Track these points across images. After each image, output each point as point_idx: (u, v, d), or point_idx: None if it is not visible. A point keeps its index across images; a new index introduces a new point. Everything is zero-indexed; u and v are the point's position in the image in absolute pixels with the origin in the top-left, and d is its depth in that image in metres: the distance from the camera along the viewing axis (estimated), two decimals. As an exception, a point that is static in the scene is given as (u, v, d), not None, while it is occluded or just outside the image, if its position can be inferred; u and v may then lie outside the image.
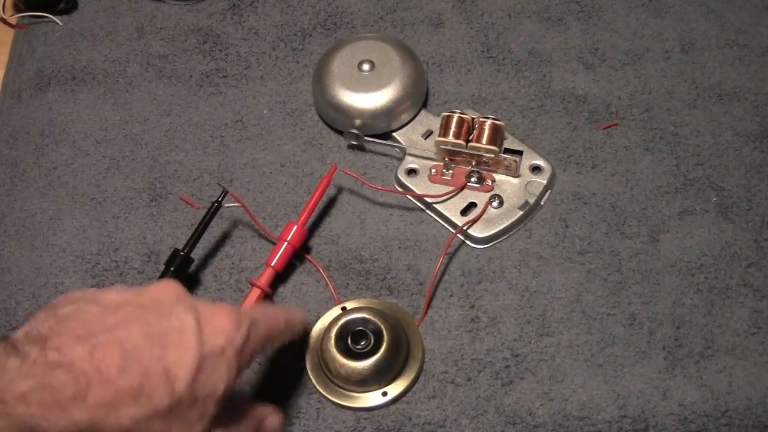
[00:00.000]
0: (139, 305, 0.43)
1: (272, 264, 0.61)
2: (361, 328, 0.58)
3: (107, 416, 0.39)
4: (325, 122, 0.71)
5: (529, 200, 0.65)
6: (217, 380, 0.43)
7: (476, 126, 0.66)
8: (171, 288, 0.45)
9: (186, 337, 0.42)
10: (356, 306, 0.61)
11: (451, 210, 0.65)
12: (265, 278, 0.61)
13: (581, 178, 0.67)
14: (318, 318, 0.61)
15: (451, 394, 0.58)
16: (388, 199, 0.67)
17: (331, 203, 0.67)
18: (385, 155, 0.69)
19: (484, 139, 0.65)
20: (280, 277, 0.63)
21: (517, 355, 0.59)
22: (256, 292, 0.61)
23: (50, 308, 0.42)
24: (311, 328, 0.61)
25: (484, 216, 0.64)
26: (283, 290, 0.63)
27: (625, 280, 0.62)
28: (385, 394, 0.58)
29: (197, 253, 0.64)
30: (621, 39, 0.75)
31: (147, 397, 0.40)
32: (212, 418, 0.43)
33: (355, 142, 0.69)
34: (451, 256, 0.64)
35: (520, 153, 0.65)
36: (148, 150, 0.70)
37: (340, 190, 0.68)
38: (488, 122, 0.65)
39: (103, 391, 0.39)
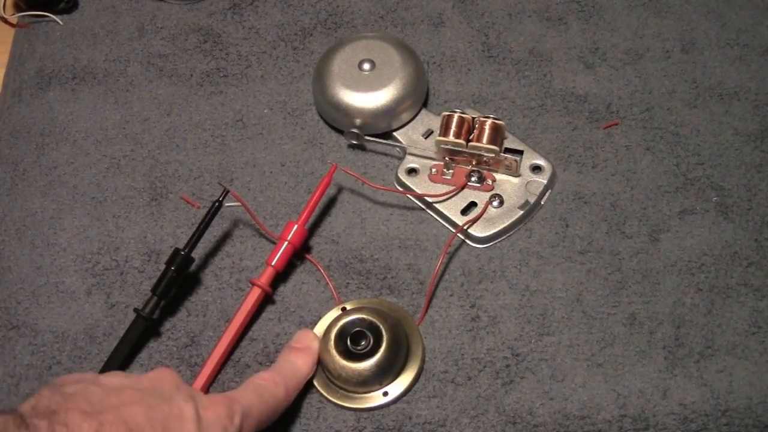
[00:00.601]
0: (139, 389, 0.46)
1: (273, 263, 0.61)
2: (359, 328, 0.58)
3: None
4: (325, 122, 0.71)
5: (529, 200, 0.65)
6: None
7: (477, 125, 0.66)
8: (168, 376, 0.48)
9: (186, 424, 0.45)
10: (356, 306, 0.61)
11: (452, 209, 0.65)
12: (265, 278, 0.61)
13: (582, 178, 0.67)
14: (318, 318, 0.61)
15: (451, 393, 0.58)
16: (389, 199, 0.67)
17: (331, 203, 0.67)
18: (386, 155, 0.69)
19: (485, 139, 0.65)
20: (281, 276, 0.63)
21: (517, 355, 0.59)
22: (256, 292, 0.61)
23: (54, 386, 0.45)
24: (316, 320, 0.61)
25: (484, 215, 0.64)
26: (284, 290, 0.63)
27: (625, 280, 0.62)
28: (385, 393, 0.58)
29: (198, 253, 0.64)
30: (621, 38, 0.75)
31: None
32: None
33: (355, 142, 0.69)
34: (451, 256, 0.64)
35: (520, 152, 0.65)
36: (149, 149, 0.70)
37: (340, 189, 0.68)
38: (489, 122, 0.65)
39: None
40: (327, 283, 0.63)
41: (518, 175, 0.66)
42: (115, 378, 0.47)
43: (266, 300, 0.62)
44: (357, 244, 0.65)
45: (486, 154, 0.65)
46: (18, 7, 0.79)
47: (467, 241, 0.65)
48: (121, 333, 0.60)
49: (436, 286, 0.62)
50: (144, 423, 0.43)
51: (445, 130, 0.65)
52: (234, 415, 0.48)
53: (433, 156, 0.67)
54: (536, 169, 0.66)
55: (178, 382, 0.49)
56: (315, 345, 0.58)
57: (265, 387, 0.53)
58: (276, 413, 0.53)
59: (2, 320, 0.62)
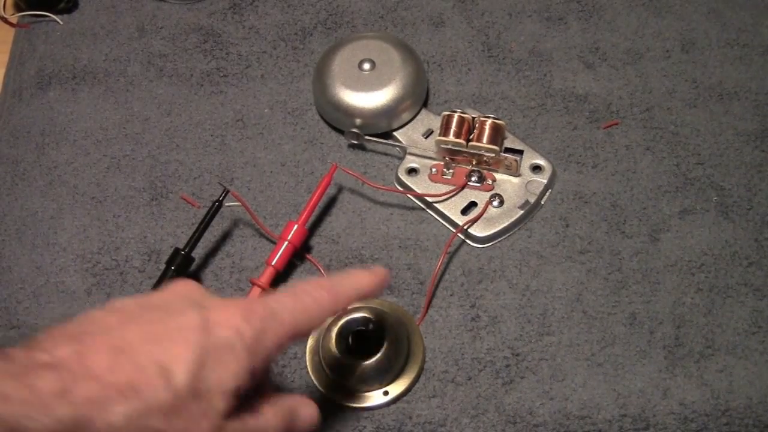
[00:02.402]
0: (144, 305, 0.42)
1: (273, 263, 0.61)
2: (361, 327, 0.58)
3: (96, 413, 0.38)
4: (325, 121, 0.71)
5: (529, 199, 0.65)
6: (224, 375, 0.40)
7: (477, 125, 0.66)
8: (183, 287, 0.44)
9: (186, 333, 0.40)
10: (357, 305, 0.61)
11: (452, 209, 0.65)
12: (265, 277, 0.61)
13: (582, 178, 0.67)
14: (318, 317, 0.61)
15: (451, 393, 0.58)
16: (389, 199, 0.67)
17: (331, 202, 0.67)
18: (386, 154, 0.70)
19: (485, 139, 0.65)
20: (281, 276, 0.63)
21: (517, 354, 0.59)
22: (256, 292, 0.61)
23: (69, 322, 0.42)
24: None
25: (484, 215, 0.64)
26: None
27: (625, 280, 0.62)
28: (386, 393, 0.58)
29: (198, 252, 0.64)
30: (622, 38, 0.75)
31: (139, 394, 0.38)
32: (222, 414, 0.41)
33: (355, 142, 0.69)
34: (451, 256, 0.64)
35: (520, 152, 0.65)
36: (149, 149, 0.70)
37: (340, 189, 0.68)
38: (489, 121, 0.65)
39: (89, 388, 0.38)
40: (327, 283, 0.63)
41: (518, 175, 0.66)
42: (128, 299, 0.43)
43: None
44: (357, 244, 0.65)
45: (486, 154, 0.65)
46: (18, 7, 0.79)
47: (467, 241, 0.65)
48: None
49: (436, 286, 0.62)
50: (136, 339, 0.39)
51: (445, 129, 0.65)
52: (252, 316, 0.41)
53: (433, 156, 0.67)
54: (536, 168, 0.66)
55: (191, 290, 0.43)
56: (385, 275, 0.49)
57: (305, 289, 0.45)
58: (317, 321, 0.45)
59: (2, 320, 0.62)
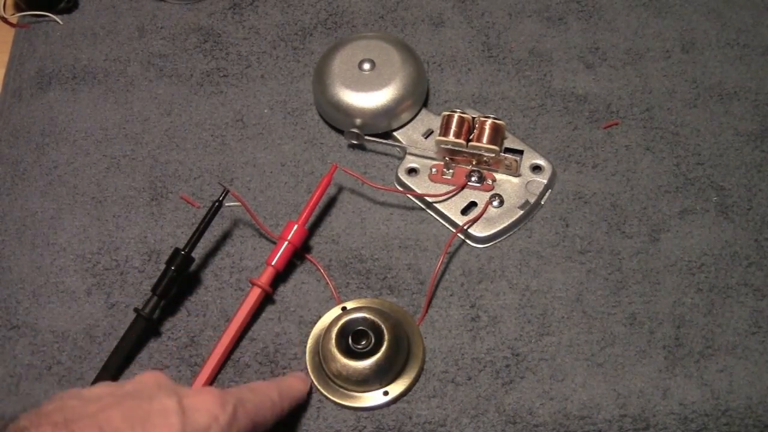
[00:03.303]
0: (120, 395, 0.44)
1: (273, 263, 0.61)
2: (361, 327, 0.58)
3: None
4: (325, 121, 0.71)
5: (529, 199, 0.65)
6: None
7: (477, 125, 0.66)
8: (152, 377, 0.46)
9: (167, 417, 0.43)
10: (357, 306, 0.61)
11: (452, 209, 0.65)
12: (265, 277, 0.61)
13: (582, 178, 0.67)
14: (318, 318, 0.61)
15: (451, 393, 0.58)
16: (389, 199, 0.67)
17: (331, 202, 0.67)
18: (386, 154, 0.69)
19: (485, 139, 0.65)
20: (281, 276, 0.63)
21: (517, 355, 0.59)
22: (256, 292, 0.61)
23: (36, 409, 0.43)
24: (316, 320, 0.61)
25: (484, 215, 0.64)
26: (284, 290, 0.63)
27: (625, 280, 0.62)
28: (386, 393, 0.58)
29: (198, 253, 0.64)
30: (621, 38, 0.75)
31: None
32: None
33: (355, 142, 0.69)
34: (451, 256, 0.64)
35: (520, 152, 0.65)
36: (149, 149, 0.70)
37: (340, 189, 0.68)
38: (489, 121, 0.65)
39: None
40: (327, 283, 0.63)
41: (518, 175, 0.66)
42: (97, 389, 0.45)
43: (266, 300, 0.62)
44: (357, 244, 0.65)
45: (486, 154, 0.65)
46: (18, 7, 0.79)
47: (467, 241, 0.65)
48: (121, 333, 0.60)
49: (436, 286, 0.62)
50: (120, 424, 0.41)
51: (445, 129, 0.65)
52: (226, 404, 0.46)
53: (433, 156, 0.67)
54: (536, 168, 0.66)
55: (161, 380, 0.46)
56: (308, 380, 0.58)
57: (259, 387, 0.52)
58: (270, 415, 0.51)
59: (2, 320, 0.62)
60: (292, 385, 0.55)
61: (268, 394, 0.51)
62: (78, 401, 0.43)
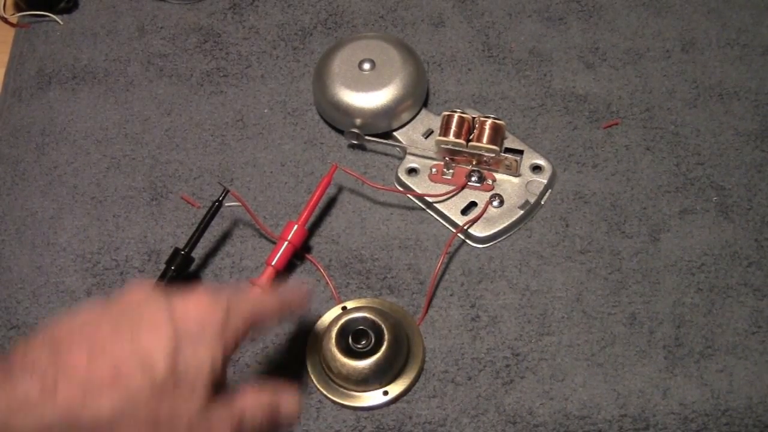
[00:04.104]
0: (108, 308, 0.43)
1: (273, 263, 0.61)
2: (361, 327, 0.58)
3: (82, 409, 0.38)
4: (325, 121, 0.71)
5: (529, 199, 0.65)
6: (200, 361, 0.42)
7: (477, 125, 0.66)
8: (139, 288, 0.45)
9: (158, 325, 0.42)
10: (357, 305, 0.61)
11: (452, 209, 0.65)
12: (265, 277, 0.61)
13: (582, 178, 0.67)
14: (318, 317, 0.61)
15: (451, 393, 0.58)
16: (389, 199, 0.67)
17: (331, 203, 0.67)
18: (386, 154, 0.69)
19: (485, 139, 0.65)
20: (281, 276, 0.63)
21: (517, 354, 0.59)
22: (256, 291, 0.61)
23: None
24: (316, 319, 0.61)
25: (484, 215, 0.64)
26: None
27: (625, 280, 0.62)
28: (385, 393, 0.58)
29: (198, 253, 0.64)
30: (621, 38, 0.75)
31: (123, 385, 0.39)
32: (205, 396, 0.42)
33: (355, 142, 0.69)
34: (451, 256, 0.64)
35: (520, 152, 0.65)
36: (149, 149, 0.70)
37: (340, 189, 0.68)
38: (489, 121, 0.65)
39: (71, 386, 0.38)
40: (327, 283, 0.63)
41: (518, 175, 0.66)
42: (85, 305, 0.44)
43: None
44: (357, 244, 0.65)
45: (486, 154, 0.65)
46: (18, 7, 0.79)
47: (467, 241, 0.65)
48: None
49: (436, 286, 0.62)
50: (110, 336, 0.41)
51: (445, 130, 0.65)
52: (217, 306, 0.44)
53: (433, 156, 0.67)
54: (536, 168, 0.66)
55: (149, 290, 0.45)
56: (298, 294, 0.52)
57: (254, 292, 0.50)
58: (267, 316, 0.48)
59: (2, 320, 0.62)
60: (289, 295, 0.51)
61: (263, 299, 0.50)
62: (65, 323, 0.42)
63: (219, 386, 0.44)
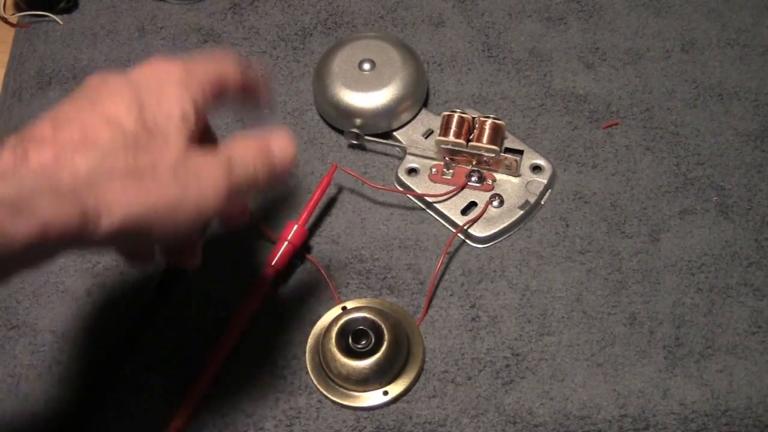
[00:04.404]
0: (67, 98, 0.43)
1: (273, 263, 0.61)
2: (361, 327, 0.58)
3: (58, 171, 0.38)
4: (325, 121, 0.71)
5: (529, 199, 0.65)
6: (167, 110, 0.42)
7: (477, 125, 0.66)
8: (95, 74, 0.45)
9: (117, 91, 0.42)
10: (357, 305, 0.61)
11: (452, 209, 0.65)
12: (265, 277, 0.61)
13: (582, 178, 0.67)
14: (318, 317, 0.61)
15: (451, 393, 0.58)
16: (389, 199, 0.67)
17: (331, 203, 0.67)
18: (386, 154, 0.70)
19: (485, 139, 0.65)
20: (281, 276, 0.63)
21: (517, 355, 0.59)
22: (256, 292, 0.61)
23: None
24: (316, 319, 0.61)
25: (484, 215, 0.64)
26: (284, 290, 0.63)
27: (625, 280, 0.62)
28: (385, 393, 0.58)
29: (198, 253, 0.64)
30: (622, 38, 0.75)
31: (93, 144, 0.40)
32: (182, 141, 0.42)
33: (355, 142, 0.69)
34: (451, 256, 0.64)
35: (520, 152, 0.65)
36: (149, 149, 0.70)
37: (340, 189, 0.68)
38: (489, 121, 0.65)
39: (42, 151, 0.39)
40: (327, 283, 0.63)
41: (518, 175, 0.66)
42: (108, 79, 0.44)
43: (266, 300, 0.62)
44: (357, 244, 0.65)
45: (486, 154, 0.65)
46: (18, 7, 0.79)
47: (467, 241, 0.65)
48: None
49: (436, 286, 0.62)
50: (72, 108, 0.41)
51: (445, 130, 0.66)
52: (173, 61, 0.45)
53: (433, 156, 0.67)
54: (536, 169, 0.66)
55: (103, 75, 0.44)
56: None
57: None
58: (228, 80, 0.48)
59: (2, 320, 0.62)
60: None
61: (226, 60, 0.49)
62: (41, 115, 0.43)
63: (202, 138, 0.44)
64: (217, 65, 0.47)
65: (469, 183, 0.66)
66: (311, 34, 0.77)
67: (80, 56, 0.76)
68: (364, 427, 0.57)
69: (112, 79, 0.43)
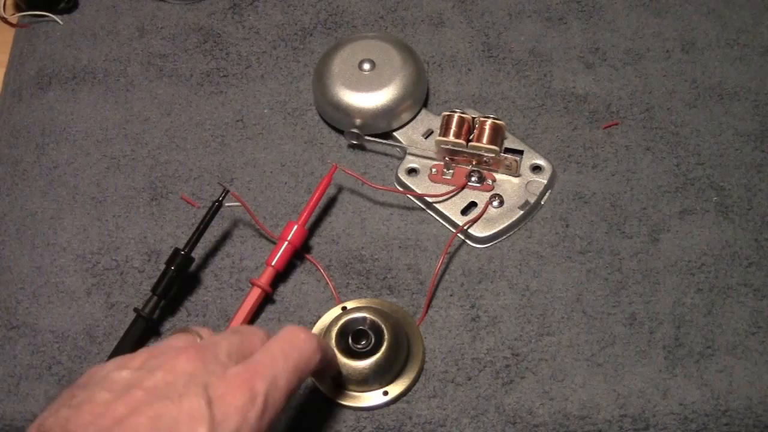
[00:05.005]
0: (148, 388, 0.42)
1: (273, 263, 0.61)
2: (361, 327, 0.58)
3: None
4: (325, 122, 0.71)
5: (529, 200, 0.65)
6: None
7: (477, 125, 0.66)
8: (183, 360, 0.44)
9: (196, 424, 0.41)
10: (357, 306, 0.61)
11: (452, 209, 0.65)
12: (265, 278, 0.61)
13: (582, 178, 0.67)
14: (318, 318, 0.61)
15: (451, 393, 0.58)
16: (389, 199, 0.67)
17: (331, 203, 0.67)
18: (386, 155, 0.70)
19: (485, 139, 0.65)
20: (281, 276, 0.63)
21: (517, 355, 0.59)
22: (256, 292, 0.61)
23: (68, 393, 0.42)
24: (316, 319, 0.61)
25: (484, 215, 0.64)
26: (284, 290, 0.63)
27: (625, 280, 0.62)
28: (385, 393, 0.58)
29: (198, 253, 0.64)
30: (622, 38, 0.75)
31: None
32: None
33: (355, 142, 0.69)
34: (451, 256, 0.64)
35: (520, 152, 0.65)
36: (149, 149, 0.70)
37: (340, 189, 0.68)
38: (489, 122, 0.65)
39: None
40: (327, 283, 0.63)
41: (518, 175, 0.66)
42: (125, 373, 0.43)
43: (266, 300, 0.62)
44: (357, 244, 0.65)
45: (486, 154, 0.65)
46: (18, 7, 0.79)
47: (467, 241, 0.65)
48: (121, 333, 0.60)
49: (436, 286, 0.62)
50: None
51: (445, 130, 0.66)
52: (256, 398, 0.43)
53: (433, 156, 0.67)
54: (536, 169, 0.66)
55: (192, 367, 0.43)
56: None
57: (294, 343, 0.47)
58: (306, 373, 0.47)
59: (2, 320, 0.62)
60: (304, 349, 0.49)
61: (303, 350, 0.48)
62: (108, 394, 0.41)
63: None
64: (290, 386, 0.46)
65: (469, 183, 0.66)
66: (311, 34, 0.77)
67: (80, 56, 0.76)
68: (364, 427, 0.57)
69: (195, 395, 0.42)
